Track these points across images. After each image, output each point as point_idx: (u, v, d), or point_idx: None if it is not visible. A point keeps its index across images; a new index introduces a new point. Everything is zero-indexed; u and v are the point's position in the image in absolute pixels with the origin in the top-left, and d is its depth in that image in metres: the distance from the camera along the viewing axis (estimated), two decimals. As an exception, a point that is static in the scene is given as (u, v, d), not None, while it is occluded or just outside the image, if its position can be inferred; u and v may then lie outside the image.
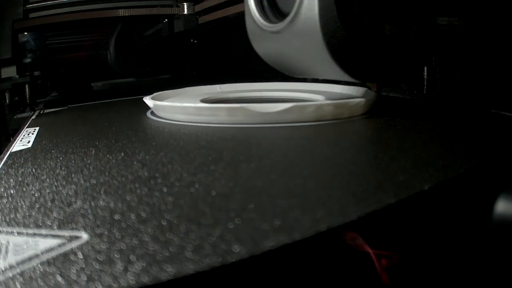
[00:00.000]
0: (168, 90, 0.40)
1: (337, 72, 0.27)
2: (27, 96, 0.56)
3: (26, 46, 0.64)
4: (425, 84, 0.58)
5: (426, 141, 0.23)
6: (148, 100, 0.33)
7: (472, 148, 0.21)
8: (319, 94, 0.36)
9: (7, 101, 0.53)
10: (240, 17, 0.37)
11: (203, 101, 0.33)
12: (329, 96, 0.35)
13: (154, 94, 0.37)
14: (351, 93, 0.35)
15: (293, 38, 0.27)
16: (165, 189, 0.15)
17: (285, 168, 0.18)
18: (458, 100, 0.45)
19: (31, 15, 0.54)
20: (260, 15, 0.31)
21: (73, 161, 0.21)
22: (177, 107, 0.29)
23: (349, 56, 0.26)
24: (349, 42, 0.25)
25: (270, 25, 0.29)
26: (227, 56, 0.77)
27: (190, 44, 0.79)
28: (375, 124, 0.29)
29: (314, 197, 0.14)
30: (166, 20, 0.64)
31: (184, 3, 0.58)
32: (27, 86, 0.56)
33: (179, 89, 0.41)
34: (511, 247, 0.20)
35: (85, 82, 0.75)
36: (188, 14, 0.58)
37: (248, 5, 0.32)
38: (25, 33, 0.62)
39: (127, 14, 0.58)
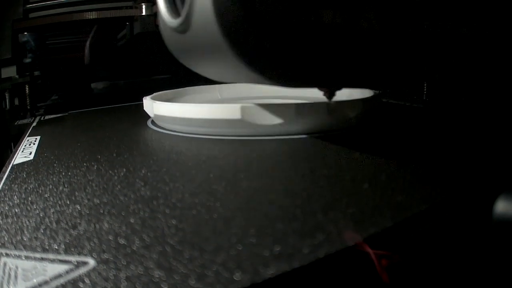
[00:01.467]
0: (168, 90, 0.41)
1: (247, 74, 0.20)
2: (27, 100, 0.57)
3: (26, 46, 0.65)
4: (425, 89, 0.59)
5: (424, 157, 0.23)
6: (147, 101, 0.33)
7: (472, 165, 0.22)
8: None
9: (7, 105, 0.53)
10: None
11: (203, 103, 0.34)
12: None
13: (154, 94, 0.37)
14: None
15: (191, 32, 0.21)
16: (167, 211, 0.16)
17: (285, 188, 0.18)
18: (458, 105, 0.45)
19: (31, 15, 0.55)
20: (167, 10, 0.24)
21: (75, 177, 0.21)
22: (177, 119, 0.30)
23: (256, 48, 0.18)
24: (251, 28, 0.17)
25: (172, 20, 0.23)
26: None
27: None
28: (373, 137, 0.29)
29: (313, 220, 0.15)
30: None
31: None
32: (27, 86, 0.56)
33: (179, 89, 0.42)
34: (511, 247, 0.20)
35: (85, 82, 0.76)
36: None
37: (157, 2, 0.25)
38: (25, 33, 0.63)
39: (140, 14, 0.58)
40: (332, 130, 0.30)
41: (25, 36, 0.64)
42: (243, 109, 0.27)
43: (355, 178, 0.20)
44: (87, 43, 0.77)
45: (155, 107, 0.32)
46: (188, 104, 0.29)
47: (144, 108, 0.35)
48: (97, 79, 0.76)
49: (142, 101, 0.34)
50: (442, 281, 0.18)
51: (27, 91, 0.57)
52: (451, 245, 0.18)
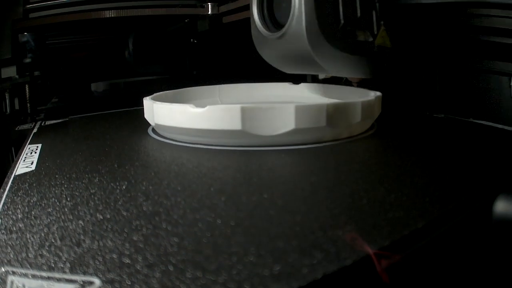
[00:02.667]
0: (168, 90, 0.42)
1: (320, 69, 0.37)
2: (28, 103, 0.57)
3: (26, 46, 0.65)
4: (424, 93, 0.59)
5: (423, 165, 0.24)
6: (147, 106, 0.34)
7: (476, 177, 0.23)
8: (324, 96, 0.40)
9: (8, 108, 0.54)
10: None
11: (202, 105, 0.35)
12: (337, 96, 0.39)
13: (155, 94, 0.38)
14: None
15: (286, 44, 0.36)
16: (169, 228, 0.17)
17: (285, 203, 0.19)
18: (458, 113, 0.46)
19: (31, 15, 0.55)
20: (262, 24, 0.39)
21: (77, 190, 0.22)
22: (177, 128, 0.30)
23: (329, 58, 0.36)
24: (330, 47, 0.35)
25: (269, 33, 0.38)
26: (231, 56, 0.79)
27: (190, 44, 0.80)
28: (375, 147, 0.30)
29: (312, 238, 0.15)
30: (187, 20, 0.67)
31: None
32: (27, 86, 0.57)
33: (179, 90, 0.43)
34: (511, 246, 0.21)
35: (85, 82, 0.76)
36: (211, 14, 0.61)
37: (252, 15, 0.39)
38: (25, 33, 0.63)
39: (149, 14, 0.59)
40: (331, 140, 0.30)
41: (25, 36, 0.64)
42: (243, 121, 0.27)
43: (355, 192, 0.20)
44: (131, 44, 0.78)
45: (156, 116, 0.32)
46: (187, 113, 0.29)
47: (145, 116, 0.35)
48: (98, 79, 0.76)
49: (142, 101, 0.35)
50: (442, 281, 0.19)
51: (27, 91, 0.57)
52: (451, 246, 0.19)
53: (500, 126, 0.41)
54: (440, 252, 0.18)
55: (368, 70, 0.39)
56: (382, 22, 0.38)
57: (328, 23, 0.34)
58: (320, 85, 0.45)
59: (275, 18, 0.39)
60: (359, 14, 0.36)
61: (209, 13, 0.62)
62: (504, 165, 0.25)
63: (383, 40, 0.38)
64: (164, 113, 0.31)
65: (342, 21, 0.35)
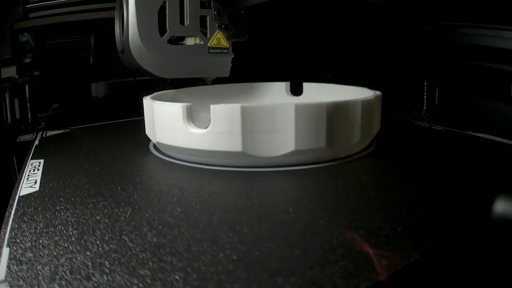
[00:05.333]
0: (168, 90, 0.44)
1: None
2: (28, 108, 0.58)
3: (26, 46, 0.66)
4: (425, 104, 0.61)
5: (422, 189, 0.25)
6: (148, 116, 0.35)
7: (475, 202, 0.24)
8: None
9: (9, 117, 0.55)
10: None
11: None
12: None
13: (154, 94, 0.39)
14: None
15: (128, 56, 0.43)
16: (174, 261, 0.18)
17: (284, 234, 0.20)
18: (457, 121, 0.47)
19: (31, 15, 0.56)
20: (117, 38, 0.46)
21: (83, 217, 0.23)
22: (178, 148, 0.32)
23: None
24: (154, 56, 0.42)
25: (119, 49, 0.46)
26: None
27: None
28: (374, 168, 0.31)
29: (310, 274, 0.17)
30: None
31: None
32: (27, 86, 0.58)
33: (179, 89, 0.44)
34: (511, 246, 0.22)
35: (85, 82, 0.77)
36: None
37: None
38: (25, 33, 0.64)
39: None
40: (331, 160, 0.32)
41: (25, 36, 0.65)
42: (244, 143, 0.29)
43: (352, 222, 0.21)
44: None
45: (157, 135, 0.33)
46: (189, 135, 0.30)
47: (146, 133, 0.36)
48: (98, 79, 0.77)
49: (142, 101, 0.36)
50: (442, 281, 0.20)
51: (27, 92, 0.58)
52: (451, 246, 0.20)
53: (498, 139, 0.43)
54: (434, 279, 0.19)
55: (207, 70, 0.45)
56: (216, 25, 0.44)
57: (151, 34, 0.40)
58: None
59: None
60: (187, 22, 0.42)
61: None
62: (500, 185, 0.27)
63: (218, 41, 0.44)
64: (165, 133, 0.32)
65: (168, 31, 0.42)
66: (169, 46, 0.42)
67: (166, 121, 0.32)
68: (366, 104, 0.32)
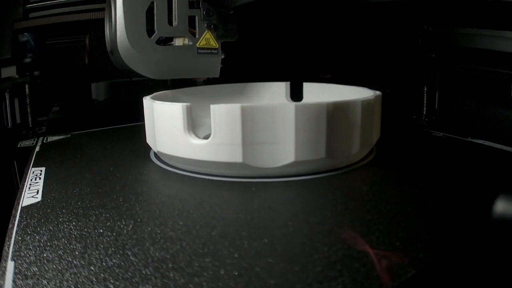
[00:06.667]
0: (168, 90, 0.45)
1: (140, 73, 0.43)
2: (28, 110, 0.59)
3: (26, 46, 0.67)
4: (424, 109, 0.61)
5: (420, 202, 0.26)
6: (149, 129, 0.36)
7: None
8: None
9: (9, 121, 0.56)
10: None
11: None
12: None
13: (154, 94, 0.40)
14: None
15: (117, 57, 0.43)
16: (177, 277, 0.18)
17: (284, 249, 0.21)
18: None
19: (31, 15, 0.57)
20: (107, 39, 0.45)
21: (85, 230, 0.23)
22: (178, 158, 0.32)
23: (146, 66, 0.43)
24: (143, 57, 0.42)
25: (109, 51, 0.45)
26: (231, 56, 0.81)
27: None
28: (373, 178, 0.32)
29: (309, 291, 0.17)
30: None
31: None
32: (27, 86, 0.59)
33: (179, 89, 0.45)
34: (510, 246, 0.23)
35: (85, 83, 0.77)
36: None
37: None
38: (25, 33, 0.65)
39: None
40: (331, 170, 0.32)
41: (25, 36, 0.66)
42: (244, 154, 0.29)
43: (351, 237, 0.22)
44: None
45: (158, 144, 0.34)
46: (189, 145, 0.31)
47: (147, 141, 0.37)
48: (98, 79, 0.78)
49: (142, 102, 0.37)
50: (441, 281, 0.20)
51: (27, 92, 0.59)
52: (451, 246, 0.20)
53: (498, 146, 0.43)
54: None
55: (196, 71, 0.45)
56: (205, 25, 0.44)
57: (139, 35, 0.41)
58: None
59: None
60: (176, 23, 0.43)
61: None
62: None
63: (207, 42, 0.44)
64: (166, 142, 0.33)
65: (156, 31, 0.42)
66: (157, 47, 0.42)
67: (166, 123, 0.32)
68: (366, 104, 0.32)
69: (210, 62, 0.45)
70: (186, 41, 0.44)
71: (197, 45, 0.44)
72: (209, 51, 0.45)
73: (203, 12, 0.44)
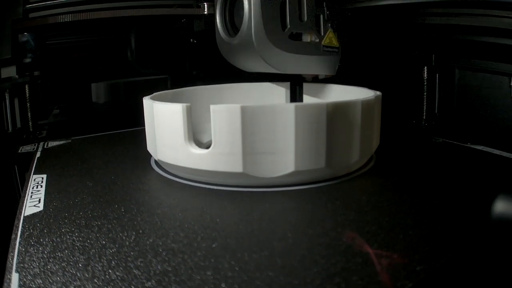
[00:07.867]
0: (168, 90, 0.45)
1: (266, 67, 0.44)
2: (28, 112, 0.59)
3: (26, 46, 0.67)
4: (424, 113, 0.62)
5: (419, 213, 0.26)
6: (150, 136, 0.36)
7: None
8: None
9: (10, 124, 0.56)
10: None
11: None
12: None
13: (154, 94, 0.40)
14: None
15: (242, 48, 0.44)
16: (179, 291, 0.19)
17: (283, 262, 0.21)
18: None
19: (31, 15, 0.57)
20: (223, 31, 0.47)
21: (88, 241, 0.24)
22: (179, 167, 0.33)
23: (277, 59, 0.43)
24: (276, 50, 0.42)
25: (229, 38, 0.46)
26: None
27: (189, 44, 0.83)
28: (372, 188, 0.32)
29: (308, 305, 0.18)
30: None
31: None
32: (27, 87, 0.59)
33: (179, 89, 0.46)
34: (510, 246, 0.23)
35: (85, 83, 0.78)
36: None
37: (215, 22, 0.47)
38: (25, 33, 0.65)
39: (146, 14, 0.62)
40: (331, 179, 0.33)
41: (25, 36, 0.66)
42: (244, 164, 0.30)
43: (349, 249, 0.22)
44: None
45: (159, 153, 0.34)
46: (189, 154, 0.31)
47: (148, 149, 0.38)
48: (98, 79, 0.78)
49: (142, 102, 0.37)
50: (441, 280, 0.21)
51: (27, 92, 0.60)
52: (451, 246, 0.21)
53: (497, 152, 0.44)
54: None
55: (319, 68, 0.46)
56: (329, 24, 0.45)
57: (274, 28, 0.42)
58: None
59: (235, 24, 0.46)
60: (305, 19, 0.44)
61: (205, 13, 0.64)
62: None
63: (330, 40, 0.45)
64: (166, 151, 0.33)
65: (288, 26, 0.43)
66: (290, 41, 0.43)
67: (166, 125, 0.33)
68: (366, 104, 0.33)
69: (331, 60, 0.46)
70: (313, 38, 0.44)
71: (323, 43, 0.45)
72: (332, 49, 0.46)
73: (327, 12, 0.45)
